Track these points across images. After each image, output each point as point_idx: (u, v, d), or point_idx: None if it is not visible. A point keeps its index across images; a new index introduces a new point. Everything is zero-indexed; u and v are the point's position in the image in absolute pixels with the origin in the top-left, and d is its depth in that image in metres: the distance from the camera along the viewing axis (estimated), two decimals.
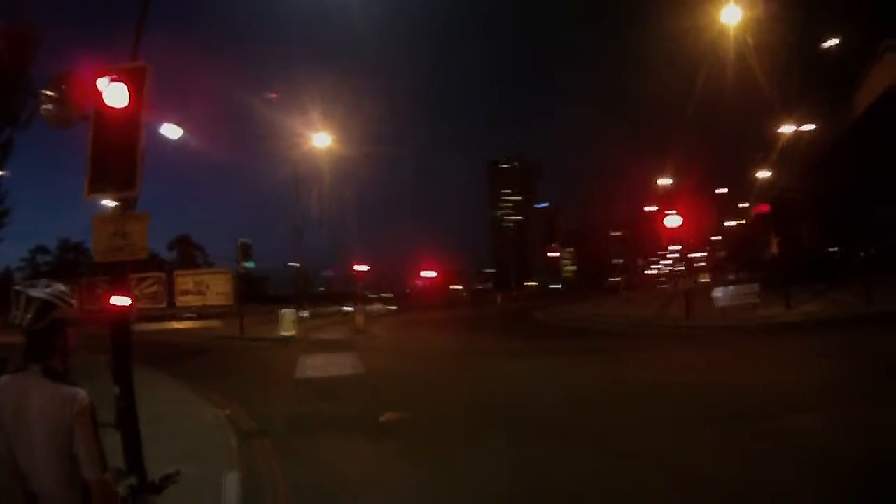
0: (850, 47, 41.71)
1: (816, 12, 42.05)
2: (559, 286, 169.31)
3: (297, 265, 54.08)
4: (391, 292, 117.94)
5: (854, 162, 44.40)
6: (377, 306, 79.00)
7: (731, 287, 33.28)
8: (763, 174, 65.26)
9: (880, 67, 35.18)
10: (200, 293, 43.28)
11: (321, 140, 43.18)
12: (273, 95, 47.76)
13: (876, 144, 40.07)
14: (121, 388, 6.30)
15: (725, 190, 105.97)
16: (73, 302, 3.13)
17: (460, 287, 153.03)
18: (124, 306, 6.62)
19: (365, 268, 70.70)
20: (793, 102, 46.79)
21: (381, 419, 12.16)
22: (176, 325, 45.23)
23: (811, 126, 47.36)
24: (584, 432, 10.31)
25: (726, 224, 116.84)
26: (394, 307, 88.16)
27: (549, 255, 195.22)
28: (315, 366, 22.02)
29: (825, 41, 43.75)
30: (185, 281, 44.37)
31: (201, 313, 45.35)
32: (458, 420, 12.12)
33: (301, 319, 40.24)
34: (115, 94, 6.17)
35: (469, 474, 8.42)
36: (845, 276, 38.09)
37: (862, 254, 48.78)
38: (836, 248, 61.59)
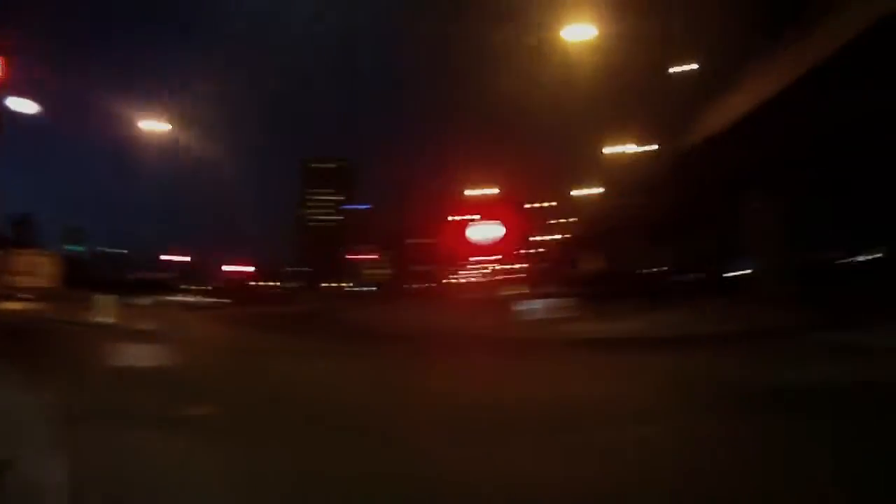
0: (701, 75, 43.90)
1: (671, 36, 43.80)
2: (373, 288, 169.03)
3: (124, 251, 52.27)
4: (207, 285, 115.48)
5: (686, 187, 46.29)
6: (203, 299, 76.85)
7: (546, 299, 33.58)
8: (592, 191, 67.20)
9: (729, 99, 36.99)
10: (30, 274, 41.34)
11: (152, 126, 41.96)
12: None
13: (710, 173, 41.91)
14: None
15: (554, 203, 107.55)
16: None
17: (275, 283, 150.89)
18: None
19: (185, 258, 68.33)
20: (633, 122, 48.14)
21: (189, 412, 12.26)
22: (4, 304, 43.07)
23: (648, 147, 48.72)
24: (383, 434, 10.55)
25: (548, 238, 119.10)
26: (227, 300, 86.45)
27: (359, 257, 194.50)
28: (130, 354, 21.87)
29: (677, 65, 44.88)
30: (17, 261, 42.20)
31: (30, 295, 43.33)
32: (262, 416, 12.22)
33: (128, 306, 38.91)
34: None
35: (273, 470, 8.53)
36: (669, 297, 39.33)
37: (691, 276, 50.92)
38: (663, 269, 64.28)
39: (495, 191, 77.76)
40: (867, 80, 28.71)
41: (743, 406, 11.88)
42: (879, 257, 61.51)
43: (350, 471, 8.36)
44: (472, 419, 11.31)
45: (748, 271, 51.26)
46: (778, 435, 9.58)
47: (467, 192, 70.15)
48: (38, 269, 41.62)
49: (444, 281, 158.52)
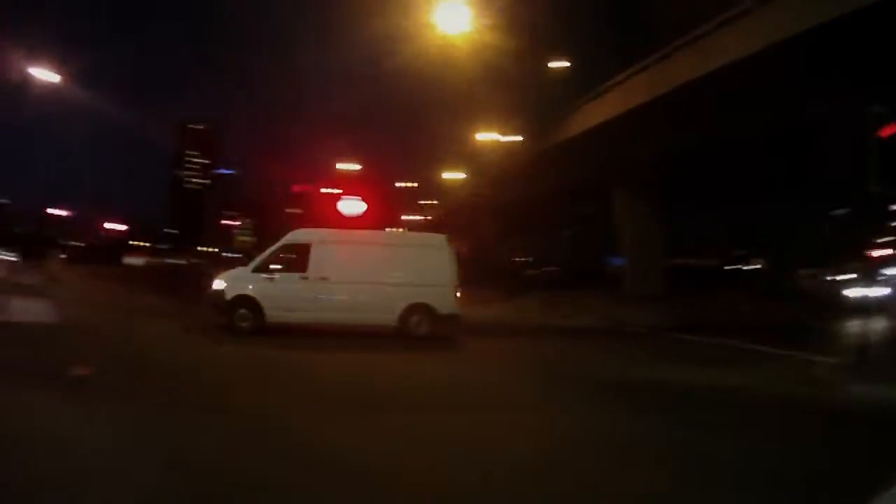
0: (576, 71, 43.29)
1: (545, 31, 43.79)
2: (238, 255, 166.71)
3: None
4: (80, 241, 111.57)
5: (553, 180, 45.99)
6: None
7: None
8: (457, 175, 66.54)
9: (600, 101, 37.25)
10: None
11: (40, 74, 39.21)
12: None
13: (579, 170, 41.75)
14: None
15: (416, 185, 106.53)
16: None
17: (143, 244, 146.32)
18: None
19: (63, 212, 65.97)
20: (500, 112, 47.59)
21: (72, 372, 11.18)
22: None
23: (515, 138, 48.29)
24: (241, 407, 9.88)
25: (408, 217, 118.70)
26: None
27: (224, 223, 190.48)
28: (7, 310, 20.18)
29: (552, 60, 44.57)
30: None
31: None
32: (139, 380, 11.54)
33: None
34: None
35: (153, 437, 7.90)
36: (528, 286, 39.16)
37: (549, 268, 50.87)
38: (525, 259, 64.22)
39: (359, 166, 76.54)
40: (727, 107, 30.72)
41: (600, 399, 11.72)
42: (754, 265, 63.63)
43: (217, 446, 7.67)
44: (344, 398, 10.83)
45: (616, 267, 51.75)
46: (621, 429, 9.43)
47: (339, 166, 68.57)
48: None
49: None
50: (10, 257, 46.01)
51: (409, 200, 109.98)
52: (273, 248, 19.05)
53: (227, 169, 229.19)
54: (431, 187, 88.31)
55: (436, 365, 15.71)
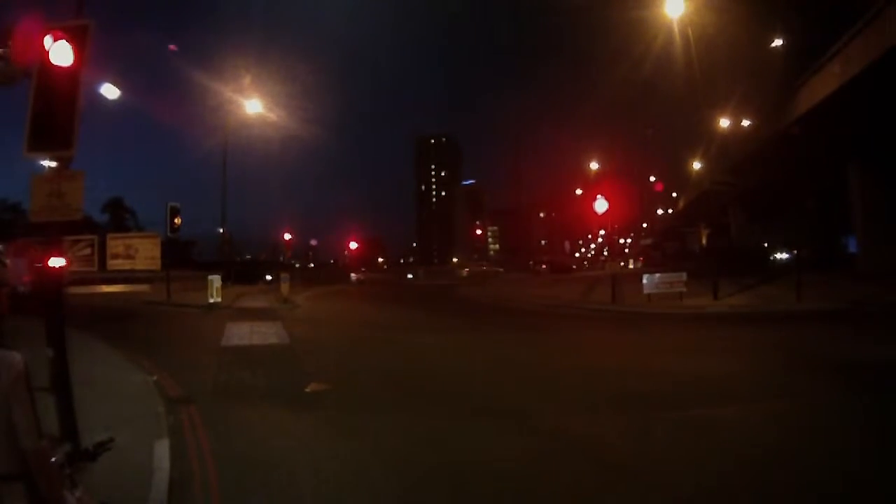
0: (796, 49, 42.23)
1: (764, 9, 42.65)
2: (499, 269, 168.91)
3: (222, 231, 53.33)
4: (314, 262, 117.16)
5: (787, 162, 45.22)
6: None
7: (657, 275, 33.12)
8: (695, 166, 66.44)
9: (822, 76, 35.92)
10: (130, 257, 41.85)
11: (252, 107, 43.10)
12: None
13: (811, 148, 40.80)
14: (54, 351, 6.18)
15: (655, 178, 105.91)
16: (8, 262, 3.02)
17: (381, 260, 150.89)
18: (58, 267, 6.48)
19: (288, 236, 70.07)
20: (733, 98, 47.47)
21: (307, 389, 12.24)
22: (105, 288, 43.64)
23: (747, 122, 47.90)
24: (508, 410, 10.46)
25: (658, 212, 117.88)
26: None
27: (476, 232, 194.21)
28: (241, 334, 21.66)
29: (772, 41, 44.02)
30: (116, 244, 42.59)
31: (130, 277, 43.93)
32: (383, 392, 12.33)
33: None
34: (59, 52, 6.01)
35: (396, 448, 8.55)
36: (774, 272, 38.41)
37: (795, 251, 49.69)
38: (765, 245, 62.86)
39: (613, 165, 77.61)
40: None
41: (857, 382, 11.78)
42: None
43: (489, 451, 8.32)
44: (611, 400, 11.19)
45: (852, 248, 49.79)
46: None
47: (591, 166, 70.12)
48: (134, 251, 41.69)
49: (565, 255, 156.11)
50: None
51: (661, 195, 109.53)
52: None
53: (468, 180, 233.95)
54: (677, 179, 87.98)
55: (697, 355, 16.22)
